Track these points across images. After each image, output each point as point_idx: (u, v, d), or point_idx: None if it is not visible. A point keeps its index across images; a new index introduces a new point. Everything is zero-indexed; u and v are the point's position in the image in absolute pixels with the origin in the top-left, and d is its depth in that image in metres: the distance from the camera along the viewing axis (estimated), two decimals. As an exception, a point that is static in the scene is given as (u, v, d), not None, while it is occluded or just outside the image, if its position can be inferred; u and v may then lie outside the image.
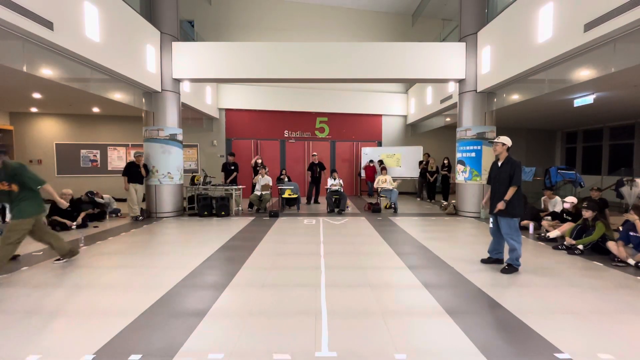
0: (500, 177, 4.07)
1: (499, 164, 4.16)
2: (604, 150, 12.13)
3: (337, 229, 6.59)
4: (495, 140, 4.16)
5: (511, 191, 3.95)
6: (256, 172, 9.30)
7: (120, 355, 2.24)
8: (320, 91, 12.92)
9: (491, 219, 4.27)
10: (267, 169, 9.32)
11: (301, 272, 3.96)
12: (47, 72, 5.35)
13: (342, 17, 12.84)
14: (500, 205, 3.97)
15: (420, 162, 11.45)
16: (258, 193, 8.86)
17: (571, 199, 5.68)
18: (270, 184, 9.07)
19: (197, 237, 5.88)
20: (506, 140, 4.11)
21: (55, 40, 4.96)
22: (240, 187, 8.92)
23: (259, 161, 9.81)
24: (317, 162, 10.33)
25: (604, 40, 4.82)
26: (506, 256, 4.17)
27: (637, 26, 4.34)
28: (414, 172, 11.84)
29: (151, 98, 8.05)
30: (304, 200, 10.38)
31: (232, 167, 9.28)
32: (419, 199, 11.64)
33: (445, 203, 9.30)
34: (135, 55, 7.03)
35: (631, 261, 4.21)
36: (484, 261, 4.38)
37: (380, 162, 11.56)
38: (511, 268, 4.00)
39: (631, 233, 4.40)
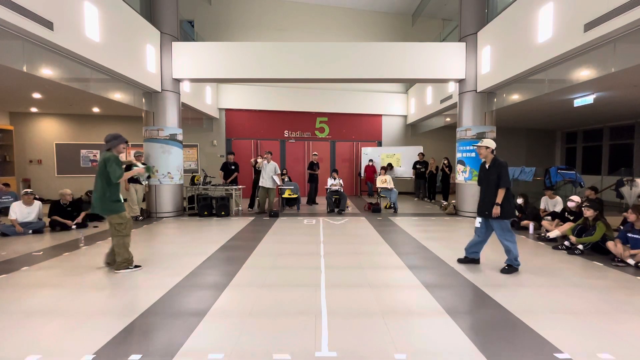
0: (489, 179, 4.07)
1: (487, 166, 4.17)
2: (604, 150, 12.13)
3: (337, 229, 6.59)
4: (479, 144, 4.16)
5: (501, 193, 3.95)
6: (256, 172, 9.05)
7: (120, 355, 2.24)
8: (320, 91, 12.93)
9: (478, 220, 4.24)
10: (272, 154, 8.60)
11: (301, 272, 3.96)
12: (47, 72, 5.35)
13: (342, 17, 12.84)
14: (496, 211, 3.94)
15: (416, 163, 11.43)
16: (265, 185, 8.20)
17: (576, 198, 5.66)
18: (278, 171, 8.38)
19: (197, 237, 5.88)
20: (489, 143, 4.11)
21: (55, 40, 4.96)
22: (240, 187, 8.90)
23: (259, 160, 9.77)
24: (316, 161, 10.37)
25: (604, 40, 4.82)
26: (503, 257, 4.17)
27: (637, 26, 4.33)
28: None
29: (151, 98, 8.05)
30: (304, 200, 10.37)
31: (233, 167, 9.21)
32: (416, 199, 11.65)
33: (445, 203, 9.30)
34: (135, 55, 7.03)
35: (631, 261, 4.21)
36: (460, 260, 4.37)
37: (389, 165, 11.67)
38: (511, 268, 4.00)
39: (629, 234, 4.40)
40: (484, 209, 4.12)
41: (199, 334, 2.53)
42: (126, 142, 4.08)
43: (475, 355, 2.25)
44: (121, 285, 3.54)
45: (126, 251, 3.97)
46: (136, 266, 4.08)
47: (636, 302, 3.13)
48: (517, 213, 6.73)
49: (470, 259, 4.34)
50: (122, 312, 2.87)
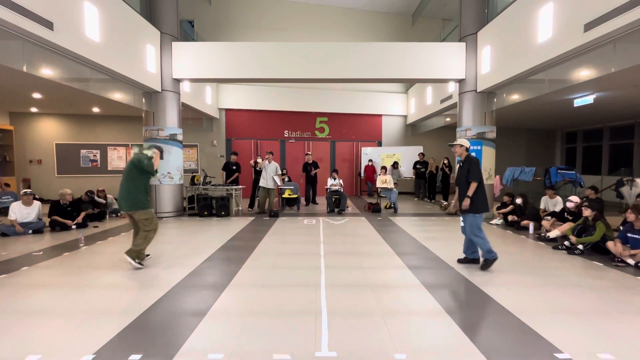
0: (462, 176, 4.18)
1: (462, 163, 4.26)
2: (604, 150, 12.13)
3: (337, 229, 6.59)
4: (455, 142, 4.29)
5: (472, 186, 4.04)
6: (256, 172, 9.05)
7: (120, 355, 2.24)
8: (320, 91, 12.92)
9: (461, 218, 4.30)
10: (273, 154, 8.60)
11: (301, 272, 3.97)
12: (47, 72, 5.35)
13: (342, 17, 12.84)
14: (465, 203, 4.04)
15: (416, 163, 11.42)
16: (266, 186, 8.18)
17: (575, 199, 5.66)
18: (279, 171, 8.41)
19: (197, 237, 5.88)
20: (463, 141, 4.24)
21: (55, 40, 4.96)
22: (240, 187, 8.90)
23: (259, 160, 9.74)
24: (310, 161, 10.08)
25: (604, 40, 4.82)
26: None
27: (637, 26, 4.33)
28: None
29: (151, 98, 8.05)
30: (304, 200, 10.35)
31: (234, 167, 9.19)
32: (416, 199, 11.65)
33: (445, 203, 9.30)
34: (135, 55, 7.03)
35: (631, 261, 4.21)
36: (460, 261, 4.38)
37: (395, 164, 11.64)
38: (488, 262, 4.05)
39: (629, 234, 4.40)
40: (460, 207, 4.20)
41: (199, 334, 2.53)
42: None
43: (475, 355, 2.25)
44: (121, 285, 3.54)
45: (146, 244, 4.15)
46: (140, 264, 4.13)
47: (636, 302, 3.13)
48: (495, 211, 6.74)
49: (470, 259, 4.35)
50: (122, 312, 2.87)
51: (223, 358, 2.22)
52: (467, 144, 4.23)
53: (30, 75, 5.13)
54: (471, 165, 4.08)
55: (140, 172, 4.15)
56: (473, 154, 4.51)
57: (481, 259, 4.14)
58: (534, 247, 5.28)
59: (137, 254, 4.11)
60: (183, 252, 4.84)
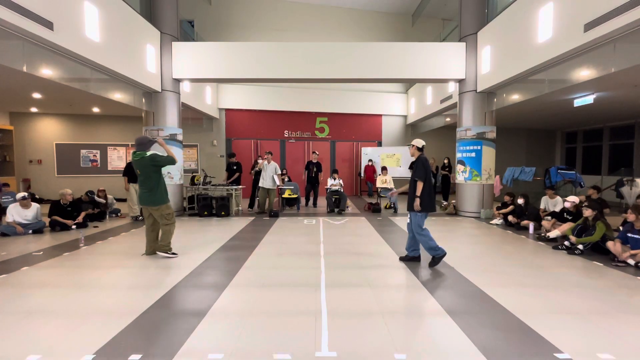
0: (413, 175, 4.27)
1: (414, 163, 4.35)
2: (604, 150, 12.13)
3: (337, 229, 6.59)
4: (410, 144, 4.37)
5: (419, 186, 4.11)
6: (256, 172, 9.02)
7: (120, 355, 2.24)
8: (320, 91, 12.92)
9: (409, 216, 4.35)
10: (272, 154, 8.62)
11: (301, 272, 3.96)
12: (47, 72, 5.35)
13: (342, 17, 12.83)
14: (416, 204, 4.11)
15: (413, 163, 11.35)
16: (265, 186, 8.21)
17: (573, 199, 5.66)
18: (279, 171, 8.42)
19: (197, 237, 5.88)
20: (416, 142, 4.32)
21: (55, 40, 4.96)
22: (240, 187, 8.90)
23: (260, 161, 9.71)
24: (315, 161, 9.94)
25: (604, 40, 4.82)
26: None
27: (637, 26, 4.34)
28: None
29: (151, 98, 8.05)
30: (303, 200, 10.33)
31: (235, 167, 9.18)
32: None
33: (445, 203, 9.30)
34: (135, 55, 7.03)
35: (631, 261, 4.21)
36: (402, 259, 4.44)
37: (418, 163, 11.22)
38: (435, 260, 4.13)
39: (629, 234, 4.39)
40: (409, 204, 4.26)
41: (199, 334, 2.53)
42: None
43: (475, 355, 2.25)
44: (121, 285, 3.54)
45: (170, 237, 4.59)
46: (173, 253, 4.57)
47: (636, 302, 3.13)
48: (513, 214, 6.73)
49: (411, 257, 4.40)
50: (122, 312, 2.87)
51: (223, 358, 2.21)
52: (419, 144, 4.30)
53: (30, 75, 5.13)
54: (418, 164, 4.18)
55: (156, 169, 4.42)
56: (429, 157, 4.57)
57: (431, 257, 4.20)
58: (534, 247, 5.28)
59: (167, 247, 4.55)
60: (183, 252, 4.84)
